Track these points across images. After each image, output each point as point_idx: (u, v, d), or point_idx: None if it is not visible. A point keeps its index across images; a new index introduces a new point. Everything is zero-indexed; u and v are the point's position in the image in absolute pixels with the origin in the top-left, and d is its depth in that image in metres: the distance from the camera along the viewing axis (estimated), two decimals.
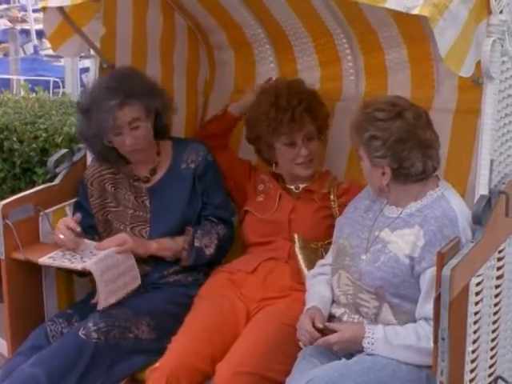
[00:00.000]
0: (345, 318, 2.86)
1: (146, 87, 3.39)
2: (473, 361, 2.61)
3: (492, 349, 2.83)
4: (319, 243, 3.33)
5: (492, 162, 2.66)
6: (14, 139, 4.91)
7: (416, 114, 2.79)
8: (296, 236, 3.31)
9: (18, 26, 19.00)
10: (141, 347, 3.16)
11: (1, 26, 19.51)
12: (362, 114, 2.82)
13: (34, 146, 4.84)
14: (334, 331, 2.76)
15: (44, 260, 3.20)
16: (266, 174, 3.61)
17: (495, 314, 2.81)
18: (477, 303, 2.59)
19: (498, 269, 2.78)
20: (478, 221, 2.58)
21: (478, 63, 2.57)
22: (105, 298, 3.12)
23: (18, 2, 22.16)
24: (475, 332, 2.60)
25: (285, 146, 3.44)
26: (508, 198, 2.70)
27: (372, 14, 3.38)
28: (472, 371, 2.62)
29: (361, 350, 2.72)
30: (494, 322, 2.81)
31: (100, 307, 3.12)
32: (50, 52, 16.72)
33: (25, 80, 10.75)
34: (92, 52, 3.49)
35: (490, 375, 2.85)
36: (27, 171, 4.94)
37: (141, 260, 3.31)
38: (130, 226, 3.45)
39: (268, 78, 3.79)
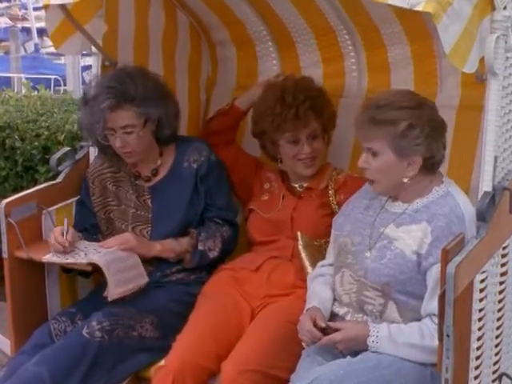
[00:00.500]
0: (348, 317, 2.85)
1: (150, 93, 3.32)
2: (477, 358, 2.61)
3: (496, 345, 2.82)
4: (322, 240, 3.32)
5: (496, 158, 2.65)
6: (16, 137, 4.91)
7: (432, 103, 2.83)
8: (299, 234, 3.31)
9: (19, 24, 19.02)
10: (145, 345, 3.16)
11: (2, 25, 19.54)
12: (379, 106, 2.75)
13: (36, 144, 4.84)
14: (337, 330, 2.74)
15: (47, 258, 3.20)
16: (272, 172, 3.60)
17: (499, 310, 2.80)
18: (481, 300, 2.58)
19: (502, 265, 2.77)
20: (482, 217, 2.57)
21: (482, 59, 2.56)
22: (114, 286, 3.10)
23: (19, 0, 22.16)
24: (480, 329, 2.60)
25: (288, 144, 3.43)
26: None
27: (375, 11, 3.37)
28: (477, 368, 2.61)
29: (365, 349, 2.71)
30: (499, 319, 2.80)
31: (111, 298, 3.10)
32: (51, 50, 16.77)
33: (26, 78, 10.77)
34: (94, 50, 3.48)
35: (494, 372, 2.83)
36: (29, 169, 4.94)
37: (143, 260, 3.30)
38: (131, 225, 3.45)
39: (277, 73, 3.77)
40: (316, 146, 3.43)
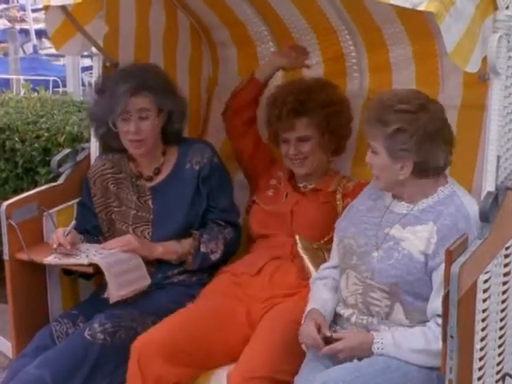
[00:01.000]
0: (353, 318, 2.84)
1: (164, 86, 3.41)
2: (481, 358, 2.60)
3: (500, 346, 2.81)
4: (321, 242, 3.34)
5: (499, 158, 2.65)
6: (16, 139, 4.91)
7: (439, 106, 2.80)
8: (297, 237, 3.32)
9: (18, 26, 19.02)
10: None
11: (0, 26, 19.50)
12: (383, 106, 2.75)
13: (36, 145, 4.84)
14: (337, 339, 2.74)
15: (49, 260, 3.19)
16: (281, 171, 3.63)
17: (503, 310, 2.79)
18: (484, 300, 2.57)
19: (506, 266, 2.76)
20: (485, 218, 2.56)
21: (484, 59, 2.55)
22: (116, 289, 3.10)
23: (17, 1, 22.18)
24: (483, 329, 2.59)
25: (282, 142, 3.51)
26: None
27: (376, 11, 3.37)
28: (480, 369, 2.60)
29: (368, 356, 2.69)
30: (502, 319, 2.79)
31: (112, 300, 3.10)
32: (50, 51, 16.77)
33: (24, 79, 10.75)
34: (95, 50, 3.47)
35: (497, 372, 2.83)
36: (29, 171, 4.93)
37: (145, 261, 3.29)
38: (132, 226, 3.44)
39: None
40: (303, 149, 3.45)
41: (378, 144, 2.76)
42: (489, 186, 2.63)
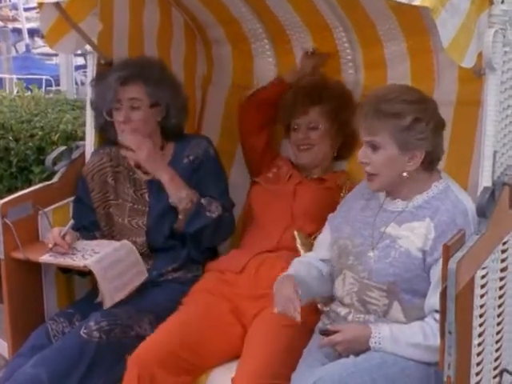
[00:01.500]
0: (350, 317, 2.83)
1: (163, 79, 3.41)
2: (479, 354, 2.60)
3: (497, 341, 2.81)
4: (318, 233, 3.30)
5: (495, 153, 2.65)
6: (10, 138, 4.90)
7: (433, 99, 2.83)
8: (296, 233, 3.32)
9: (10, 25, 19.00)
10: None
11: None
12: (385, 100, 2.73)
13: (31, 144, 4.83)
14: (335, 331, 2.73)
15: (45, 258, 3.18)
16: (282, 160, 3.69)
17: (500, 306, 2.80)
18: (482, 296, 2.57)
19: (502, 261, 2.76)
20: (482, 213, 2.56)
21: (480, 54, 2.56)
22: (110, 295, 3.10)
23: (10, 0, 22.13)
24: (481, 325, 2.59)
25: (292, 131, 3.59)
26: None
27: (370, 7, 3.36)
28: (478, 364, 2.60)
29: (366, 349, 2.68)
30: (499, 315, 2.80)
31: (106, 306, 3.09)
32: (42, 50, 16.75)
33: (17, 78, 10.74)
34: (89, 48, 3.46)
35: (495, 368, 2.83)
36: (24, 170, 4.92)
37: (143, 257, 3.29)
38: (128, 218, 3.44)
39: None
40: (312, 136, 3.55)
41: (383, 138, 2.73)
42: (485, 181, 2.64)
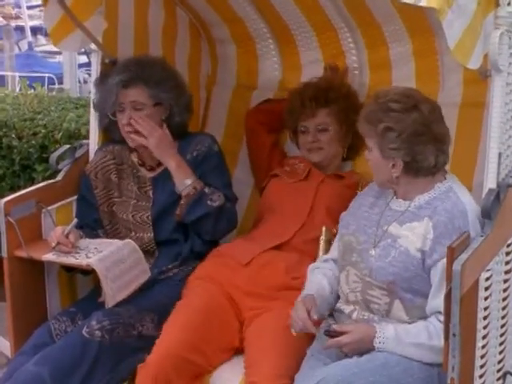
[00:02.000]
0: (354, 315, 2.83)
1: (165, 80, 3.40)
2: (482, 356, 2.59)
3: (501, 344, 2.80)
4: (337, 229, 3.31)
5: (500, 155, 2.64)
6: (13, 136, 4.90)
7: (431, 107, 2.77)
8: (324, 228, 3.29)
9: (13, 23, 19.02)
10: (145, 344, 3.12)
11: None
12: (376, 104, 2.78)
13: (33, 142, 4.83)
14: (341, 332, 2.72)
15: (48, 256, 3.17)
16: (296, 158, 3.68)
17: (504, 308, 2.79)
18: (486, 298, 2.57)
19: (507, 263, 2.76)
20: (487, 215, 2.56)
21: (486, 55, 2.55)
22: (112, 295, 3.09)
23: None
24: (485, 327, 2.59)
25: (301, 134, 3.58)
26: None
27: (376, 8, 3.36)
28: (482, 367, 2.60)
29: (371, 349, 2.68)
30: (503, 317, 2.79)
31: (108, 305, 3.08)
32: (45, 48, 16.77)
33: (20, 76, 10.74)
34: (93, 47, 3.46)
35: (498, 370, 2.82)
36: (26, 168, 4.92)
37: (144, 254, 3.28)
38: (131, 213, 3.44)
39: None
40: (322, 138, 3.55)
41: (371, 142, 2.80)
42: (490, 183, 2.64)
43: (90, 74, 4.29)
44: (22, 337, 3.23)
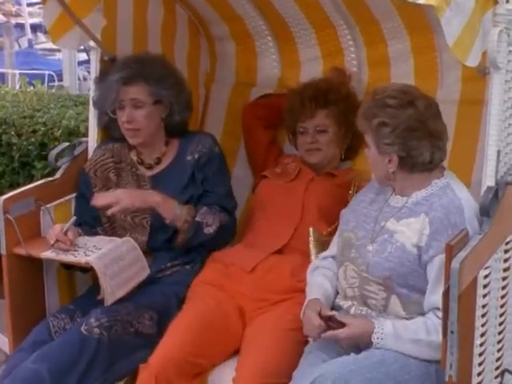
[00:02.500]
0: (352, 310, 2.84)
1: (165, 77, 3.40)
2: (481, 354, 2.60)
3: (499, 342, 2.81)
4: (329, 229, 3.32)
5: (499, 152, 2.65)
6: (13, 133, 4.90)
7: (427, 103, 2.78)
8: (311, 229, 3.29)
9: (13, 20, 18.99)
10: (143, 342, 3.13)
11: None
12: (372, 100, 2.80)
13: (33, 140, 4.83)
14: (340, 322, 2.73)
15: (46, 254, 3.17)
16: (289, 157, 3.68)
17: (502, 306, 2.79)
18: (484, 296, 2.57)
19: (505, 261, 2.76)
20: (485, 212, 2.57)
21: (485, 53, 2.56)
22: (111, 292, 3.08)
23: None
24: (483, 325, 2.59)
25: (299, 135, 3.57)
26: None
27: (375, 5, 3.36)
28: (480, 364, 2.60)
29: (369, 345, 2.69)
30: (501, 315, 2.79)
31: (108, 303, 3.08)
32: (45, 46, 16.76)
33: (19, 74, 10.74)
34: (92, 44, 3.46)
35: (496, 368, 2.82)
36: (26, 165, 4.92)
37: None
38: (130, 214, 3.41)
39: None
40: (321, 139, 3.53)
41: (368, 138, 2.81)
42: (489, 180, 2.65)
43: (89, 72, 4.28)
44: (20, 334, 3.23)
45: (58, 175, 3.50)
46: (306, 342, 2.91)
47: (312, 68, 3.77)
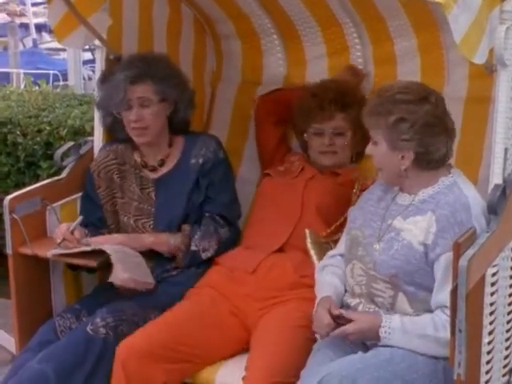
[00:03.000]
0: (360, 307, 2.83)
1: (169, 76, 3.40)
2: (489, 352, 2.59)
3: (507, 340, 2.80)
4: (328, 231, 3.31)
5: (506, 150, 2.64)
6: (18, 133, 4.91)
7: (440, 99, 2.78)
8: (307, 231, 3.28)
9: (17, 20, 19.07)
10: None
11: (0, 20, 19.54)
12: (381, 96, 2.77)
13: (38, 139, 4.84)
14: (349, 319, 2.72)
15: (54, 251, 3.16)
16: (295, 155, 3.66)
17: (510, 304, 2.78)
18: (492, 294, 2.57)
19: None
20: (493, 210, 2.55)
21: (492, 50, 2.55)
22: (121, 269, 3.06)
23: None
24: (491, 323, 2.58)
25: (313, 135, 3.53)
26: None
27: (381, 3, 3.35)
28: (488, 362, 2.59)
29: (376, 339, 2.69)
30: (509, 313, 2.78)
31: (117, 282, 3.08)
32: (49, 45, 16.79)
33: (24, 73, 10.76)
34: (97, 43, 3.45)
35: (504, 366, 2.82)
36: (31, 165, 4.93)
37: (145, 256, 3.28)
38: (133, 217, 3.42)
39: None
40: (337, 142, 3.50)
41: (378, 134, 2.78)
42: (496, 178, 2.64)
43: (94, 71, 4.28)
44: (27, 334, 3.23)
45: (63, 174, 3.51)
46: (315, 340, 2.90)
47: (318, 66, 3.76)
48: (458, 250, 2.33)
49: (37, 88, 5.93)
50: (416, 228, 2.72)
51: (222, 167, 3.46)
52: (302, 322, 2.99)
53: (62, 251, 3.16)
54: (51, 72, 12.65)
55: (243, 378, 2.89)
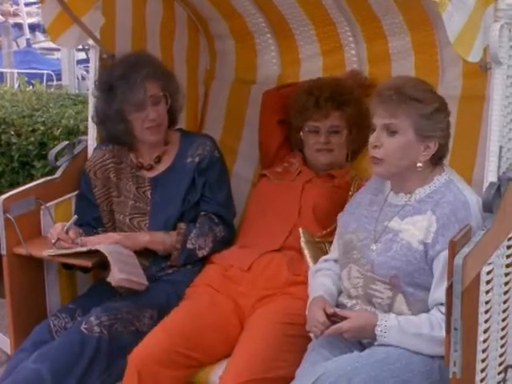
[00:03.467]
0: (356, 308, 2.82)
1: (162, 69, 3.43)
2: (484, 350, 2.58)
3: (502, 338, 2.79)
4: (324, 232, 3.31)
5: (501, 148, 2.63)
6: (12, 133, 4.89)
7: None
8: (301, 230, 3.28)
9: (11, 20, 18.99)
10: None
11: None
12: (409, 86, 2.74)
13: (32, 139, 4.82)
14: (344, 318, 2.71)
15: (49, 252, 3.16)
16: (295, 156, 3.65)
17: (505, 302, 2.77)
18: (487, 292, 2.56)
19: (508, 257, 2.74)
20: (488, 208, 2.55)
21: (486, 48, 2.55)
22: (118, 270, 3.05)
23: None
24: (486, 321, 2.57)
25: (309, 133, 3.52)
26: None
27: (375, 1, 3.37)
28: (483, 361, 2.59)
29: (372, 338, 2.68)
30: (504, 311, 2.77)
31: (116, 282, 3.05)
32: (43, 45, 16.75)
33: (18, 73, 10.74)
34: (91, 42, 3.45)
35: (500, 364, 2.81)
36: (25, 165, 4.91)
37: (139, 253, 3.28)
38: (129, 216, 3.42)
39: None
40: (333, 140, 3.51)
41: (403, 122, 2.71)
42: (491, 176, 2.62)
43: (88, 71, 4.27)
44: (21, 334, 3.22)
45: (57, 174, 3.50)
46: (300, 336, 2.90)
47: (312, 65, 3.77)
48: (454, 248, 2.32)
49: (31, 88, 5.92)
50: (415, 228, 2.71)
51: (217, 166, 3.47)
52: (286, 318, 2.99)
53: (57, 251, 3.15)
54: (45, 72, 12.61)
55: (220, 377, 2.89)
